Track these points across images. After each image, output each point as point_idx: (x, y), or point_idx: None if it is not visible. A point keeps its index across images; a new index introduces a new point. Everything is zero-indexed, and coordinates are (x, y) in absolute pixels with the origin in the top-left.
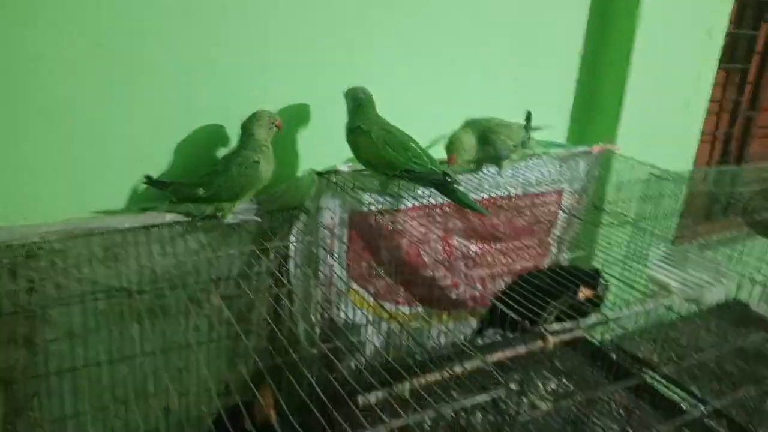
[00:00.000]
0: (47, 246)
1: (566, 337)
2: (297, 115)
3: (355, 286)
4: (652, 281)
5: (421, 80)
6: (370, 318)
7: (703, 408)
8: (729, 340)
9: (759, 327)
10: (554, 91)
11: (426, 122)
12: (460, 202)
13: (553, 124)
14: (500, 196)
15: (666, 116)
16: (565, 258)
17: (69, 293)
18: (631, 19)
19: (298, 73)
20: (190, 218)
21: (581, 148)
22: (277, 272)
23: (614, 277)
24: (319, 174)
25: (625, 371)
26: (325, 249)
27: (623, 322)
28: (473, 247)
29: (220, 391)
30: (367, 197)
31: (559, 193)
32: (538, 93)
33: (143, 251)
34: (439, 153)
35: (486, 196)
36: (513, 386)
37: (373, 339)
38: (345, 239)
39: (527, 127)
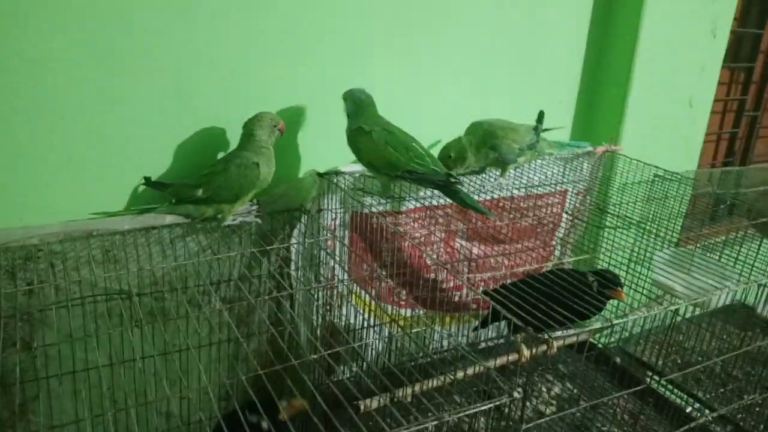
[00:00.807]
0: (46, 248)
1: (570, 341)
2: (299, 117)
3: (356, 288)
4: (657, 285)
5: (423, 81)
6: (372, 321)
7: (709, 415)
8: (734, 345)
9: (764, 330)
10: (557, 91)
11: (428, 123)
12: (463, 203)
13: (564, 124)
14: (503, 198)
15: (670, 116)
16: (569, 262)
17: (68, 296)
18: (635, 18)
19: (300, 75)
20: (190, 220)
21: (588, 148)
22: (277, 275)
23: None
24: (321, 175)
25: (629, 375)
26: (326, 251)
27: (629, 326)
28: (475, 250)
29: (220, 396)
30: (368, 199)
31: (563, 194)
32: (542, 93)
33: (143, 253)
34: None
35: (488, 198)
36: (517, 392)
37: (374, 342)
38: (346, 241)
39: (537, 128)
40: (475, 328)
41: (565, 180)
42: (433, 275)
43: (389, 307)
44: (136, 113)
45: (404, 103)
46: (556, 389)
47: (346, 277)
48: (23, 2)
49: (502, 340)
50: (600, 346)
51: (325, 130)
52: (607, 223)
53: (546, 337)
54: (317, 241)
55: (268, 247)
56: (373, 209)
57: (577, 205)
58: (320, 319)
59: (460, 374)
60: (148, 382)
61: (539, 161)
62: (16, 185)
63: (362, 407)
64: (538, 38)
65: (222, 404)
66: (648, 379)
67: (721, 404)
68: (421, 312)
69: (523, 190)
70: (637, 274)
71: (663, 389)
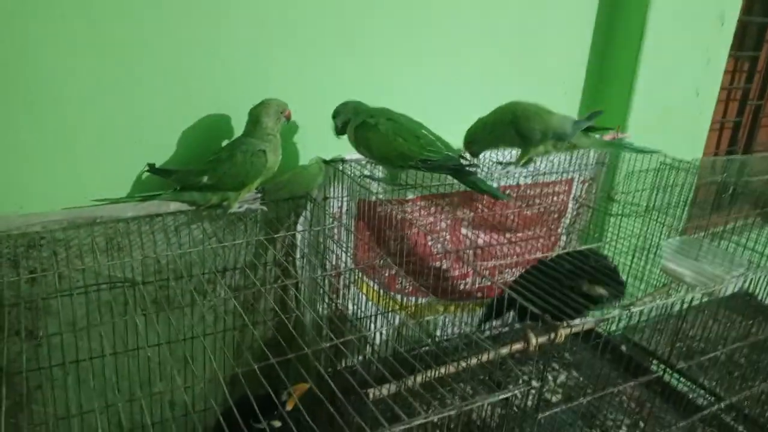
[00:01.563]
0: (49, 236)
1: (577, 329)
2: (305, 104)
3: (363, 276)
4: (666, 272)
5: (426, 70)
6: (379, 308)
7: (720, 404)
8: (738, 333)
9: (765, 317)
10: (564, 79)
11: (432, 113)
12: (478, 188)
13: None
14: (509, 186)
15: (677, 104)
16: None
17: (71, 284)
18: (642, 6)
19: (306, 61)
20: (195, 207)
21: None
22: (284, 262)
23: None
24: (327, 162)
25: (635, 364)
26: (332, 239)
27: (639, 315)
28: (482, 238)
29: (227, 383)
30: (375, 186)
31: (569, 182)
32: (548, 81)
33: (147, 241)
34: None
35: (495, 186)
36: (535, 381)
37: (381, 330)
38: (352, 228)
39: (579, 123)
40: (480, 322)
41: (571, 168)
42: (439, 263)
43: (397, 296)
44: (139, 98)
45: (407, 91)
46: (562, 377)
47: (352, 264)
48: None
49: (507, 328)
50: (605, 334)
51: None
52: (614, 211)
53: (564, 324)
54: (323, 229)
55: (274, 235)
56: (380, 197)
57: (583, 193)
58: (327, 307)
59: (473, 361)
60: (153, 371)
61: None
62: (17, 172)
63: (371, 395)
64: (544, 27)
65: (229, 389)
66: (658, 370)
67: (726, 392)
68: (425, 300)
69: (530, 178)
70: (643, 262)
71: (668, 377)
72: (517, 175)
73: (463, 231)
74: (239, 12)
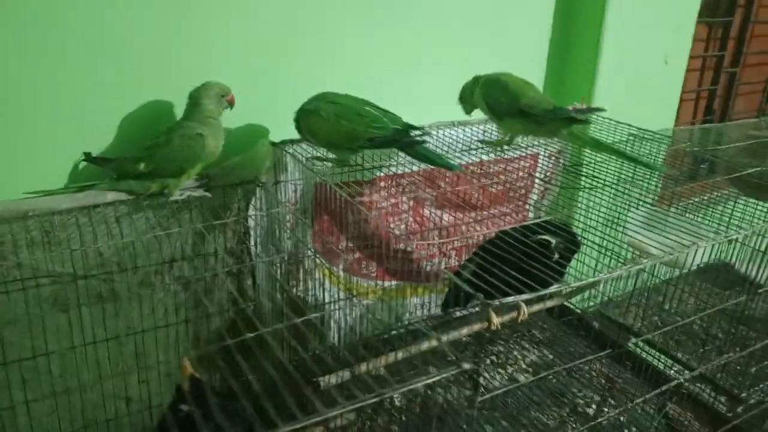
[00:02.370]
0: None
1: (541, 306)
2: (256, 87)
3: (322, 261)
4: (631, 246)
5: (388, 45)
6: (341, 295)
7: (687, 374)
8: (714, 304)
9: (743, 287)
10: (527, 49)
11: (397, 89)
12: (429, 160)
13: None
14: (471, 163)
15: (645, 73)
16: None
17: (6, 279)
18: None
19: (253, 43)
20: (135, 197)
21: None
22: (237, 250)
23: (594, 243)
24: (275, 144)
25: (608, 340)
26: (284, 225)
27: (601, 287)
28: (446, 217)
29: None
30: (329, 168)
31: (535, 157)
32: (510, 50)
33: (87, 233)
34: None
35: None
36: (468, 363)
37: (341, 316)
38: (309, 213)
39: (561, 109)
40: (445, 304)
41: (536, 142)
42: (402, 245)
43: (359, 280)
44: (73, 84)
45: (369, 70)
46: (533, 356)
47: (310, 251)
48: None
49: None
50: (578, 311)
51: (284, 100)
52: (581, 185)
53: (495, 303)
54: (271, 214)
55: (218, 222)
56: (333, 180)
57: (550, 167)
58: (285, 295)
59: (429, 345)
60: (103, 367)
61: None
62: None
63: (322, 384)
64: None
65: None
66: (628, 344)
67: (701, 365)
68: (391, 284)
69: (493, 153)
70: (613, 237)
71: (641, 351)
72: (479, 152)
73: (426, 212)
74: None
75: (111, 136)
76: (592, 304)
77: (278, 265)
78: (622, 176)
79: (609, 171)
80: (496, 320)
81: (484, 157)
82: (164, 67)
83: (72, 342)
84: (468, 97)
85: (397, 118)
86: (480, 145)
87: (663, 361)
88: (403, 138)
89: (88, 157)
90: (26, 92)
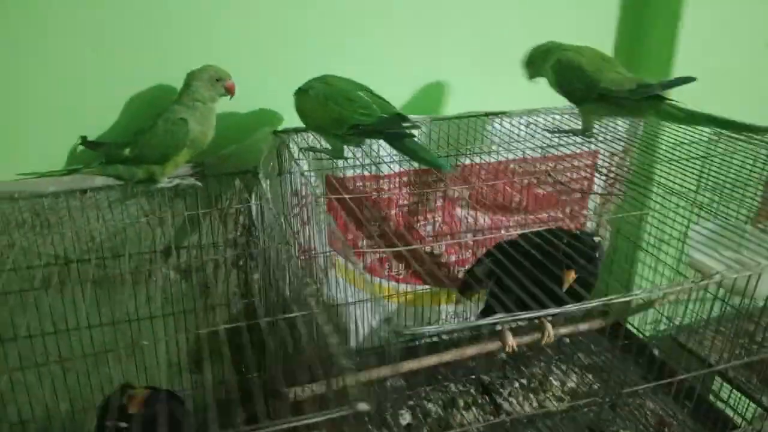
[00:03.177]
0: None
1: (571, 329)
2: (264, 74)
3: (339, 259)
4: (692, 266)
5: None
6: (363, 294)
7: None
8: None
9: None
10: (591, 26)
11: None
12: (416, 156)
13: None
14: (514, 159)
15: (738, 58)
16: (605, 237)
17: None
18: None
19: (259, 26)
20: (124, 183)
21: None
22: (241, 242)
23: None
24: (276, 133)
25: (670, 370)
26: (295, 218)
27: (666, 310)
28: (483, 220)
29: (185, 368)
30: (342, 161)
31: (593, 155)
32: (570, 27)
33: (78, 218)
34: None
35: (494, 160)
36: (363, 404)
37: (356, 318)
38: (323, 208)
39: (652, 85)
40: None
41: (593, 139)
42: (429, 247)
43: (381, 281)
44: (72, 66)
45: (394, 51)
46: (572, 383)
47: (322, 247)
48: None
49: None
50: (641, 334)
51: (291, 88)
52: (654, 192)
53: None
54: (284, 206)
55: (213, 210)
56: (348, 172)
57: (613, 168)
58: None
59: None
60: (100, 354)
61: (557, 116)
62: None
63: (291, 395)
64: None
65: (193, 378)
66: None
67: None
68: (420, 288)
69: (539, 151)
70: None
71: (708, 388)
72: (523, 147)
73: (460, 212)
74: None
75: (111, 121)
76: (663, 328)
77: (286, 259)
78: (706, 182)
79: (688, 176)
80: (512, 341)
81: (530, 154)
82: (167, 50)
83: (66, 325)
84: (537, 64)
85: (388, 106)
86: (547, 135)
87: (743, 403)
88: (387, 128)
89: (83, 141)
90: (24, 74)
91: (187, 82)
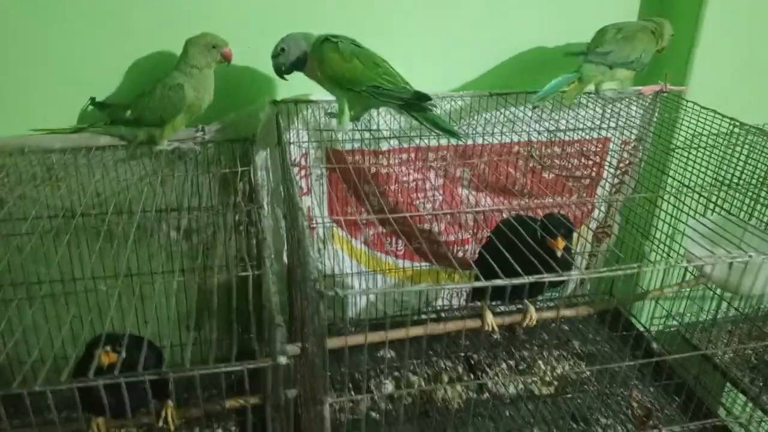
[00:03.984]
0: None
1: (553, 314)
2: (262, 41)
3: (340, 231)
4: (689, 261)
5: None
6: (362, 269)
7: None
8: None
9: None
10: (610, 14)
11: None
12: (433, 123)
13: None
14: (519, 142)
15: (760, 56)
16: (616, 228)
17: (13, 210)
18: None
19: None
20: (127, 143)
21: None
22: (240, 207)
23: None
24: (276, 103)
25: (667, 366)
26: (296, 188)
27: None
28: (485, 201)
29: (188, 325)
30: (341, 134)
31: (605, 142)
32: (590, 14)
33: (84, 174)
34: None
35: (497, 142)
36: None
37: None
38: (324, 180)
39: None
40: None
41: (603, 125)
42: (428, 226)
43: (382, 256)
44: (79, 31)
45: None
46: (562, 368)
47: (323, 218)
48: None
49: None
50: (641, 327)
51: None
52: (667, 186)
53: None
54: (284, 176)
55: (217, 173)
56: (348, 146)
57: (625, 156)
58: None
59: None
60: (103, 305)
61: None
62: None
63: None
64: None
65: (193, 334)
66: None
67: None
68: (420, 265)
69: (546, 135)
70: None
71: (704, 385)
72: (528, 130)
73: (461, 191)
74: None
75: (118, 83)
76: (674, 323)
77: (286, 229)
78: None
79: (705, 171)
80: (490, 319)
81: (534, 137)
82: (173, 17)
83: (73, 274)
84: None
85: (409, 84)
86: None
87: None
88: (405, 95)
89: (92, 101)
90: (42, 38)
91: (185, 49)
